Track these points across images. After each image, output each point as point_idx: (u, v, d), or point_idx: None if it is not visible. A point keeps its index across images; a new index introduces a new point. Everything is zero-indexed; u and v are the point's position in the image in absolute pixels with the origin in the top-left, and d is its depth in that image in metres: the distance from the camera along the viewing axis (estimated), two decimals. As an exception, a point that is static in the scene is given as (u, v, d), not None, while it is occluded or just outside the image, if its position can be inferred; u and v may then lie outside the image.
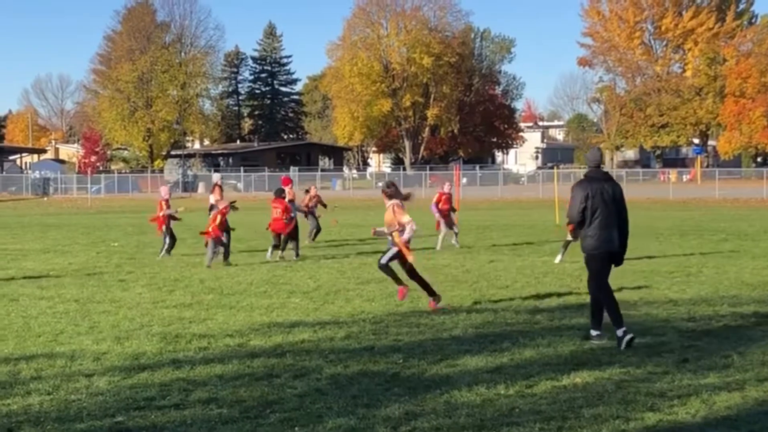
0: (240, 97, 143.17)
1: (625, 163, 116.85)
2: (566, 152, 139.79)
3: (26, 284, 18.19)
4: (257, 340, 11.65)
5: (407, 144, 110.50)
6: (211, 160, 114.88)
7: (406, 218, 13.75)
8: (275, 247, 22.94)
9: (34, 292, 16.79)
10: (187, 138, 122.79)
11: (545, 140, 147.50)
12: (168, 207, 24.12)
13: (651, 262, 20.88)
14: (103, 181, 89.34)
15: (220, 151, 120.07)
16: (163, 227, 24.00)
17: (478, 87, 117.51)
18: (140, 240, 27.53)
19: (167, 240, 23.97)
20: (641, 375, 9.48)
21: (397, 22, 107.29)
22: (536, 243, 26.97)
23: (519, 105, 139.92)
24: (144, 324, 12.99)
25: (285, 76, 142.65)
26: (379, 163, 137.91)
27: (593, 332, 11.43)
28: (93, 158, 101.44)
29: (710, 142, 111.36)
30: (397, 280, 14.21)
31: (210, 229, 21.44)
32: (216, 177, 26.44)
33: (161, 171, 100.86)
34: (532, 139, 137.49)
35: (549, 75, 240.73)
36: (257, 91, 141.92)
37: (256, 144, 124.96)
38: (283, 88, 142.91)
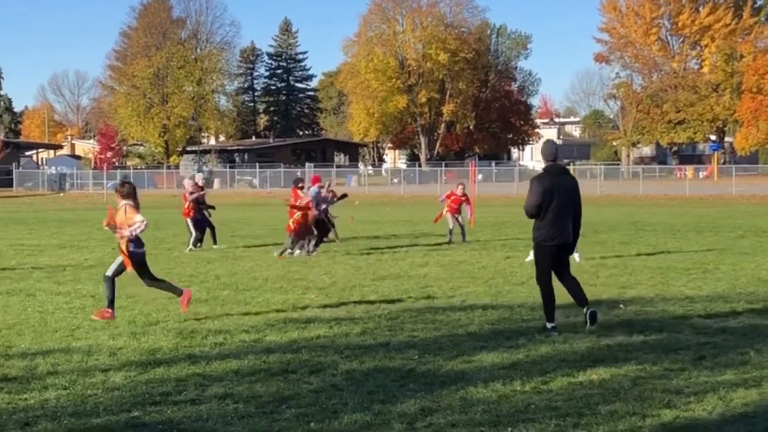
0: (255, 93, 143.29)
1: (642, 160, 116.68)
2: (582, 149, 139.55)
3: (43, 279, 18.25)
4: (273, 335, 11.65)
5: (423, 140, 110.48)
6: (226, 156, 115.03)
7: (138, 218, 13.04)
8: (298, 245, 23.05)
9: (50, 288, 16.84)
10: (203, 134, 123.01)
11: (561, 137, 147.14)
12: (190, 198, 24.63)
13: (667, 259, 20.82)
14: (118, 177, 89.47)
15: (235, 147, 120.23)
16: (188, 219, 24.45)
17: (494, 83, 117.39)
18: (156, 236, 27.55)
19: (194, 232, 24.37)
20: (657, 372, 9.44)
21: (413, 18, 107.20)
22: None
23: (535, 101, 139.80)
24: (160, 319, 13.01)
25: (300, 72, 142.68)
26: (394, 160, 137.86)
27: (548, 324, 11.74)
28: (109, 154, 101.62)
29: (727, 139, 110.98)
30: (173, 290, 13.60)
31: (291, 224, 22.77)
32: (198, 177, 26.68)
33: (177, 167, 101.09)
34: (548, 136, 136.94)
35: (565, 71, 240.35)
36: (273, 87, 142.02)
37: (271, 140, 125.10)
38: (298, 84, 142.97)
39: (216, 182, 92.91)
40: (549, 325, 11.69)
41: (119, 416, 8.02)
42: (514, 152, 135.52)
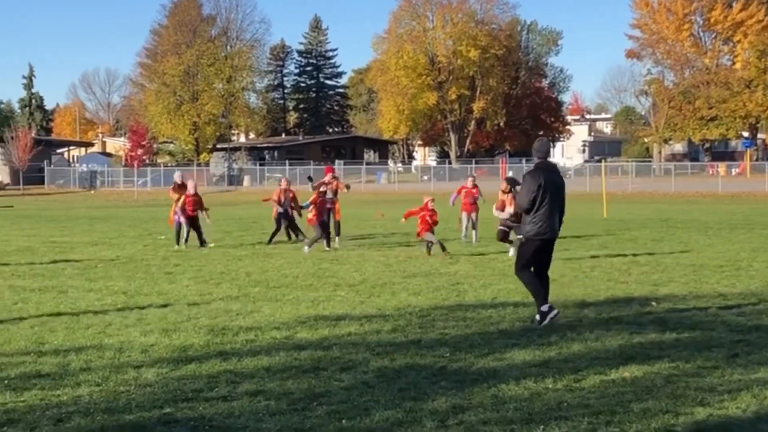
0: (285, 91, 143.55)
1: (674, 157, 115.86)
2: (614, 145, 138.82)
3: (75, 276, 18.37)
4: (304, 332, 11.67)
5: (453, 137, 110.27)
6: (256, 153, 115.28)
7: None
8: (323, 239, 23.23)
9: (82, 285, 16.95)
10: (233, 131, 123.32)
11: (592, 133, 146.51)
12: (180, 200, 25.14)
13: (700, 256, 20.69)
14: (149, 174, 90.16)
15: (265, 145, 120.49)
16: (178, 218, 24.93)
17: (525, 80, 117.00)
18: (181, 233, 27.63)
19: (185, 231, 24.81)
20: (690, 369, 9.37)
21: (444, 15, 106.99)
22: (583, 237, 26.81)
23: (566, 98, 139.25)
24: (191, 316, 13.06)
25: (330, 70, 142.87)
26: (424, 157, 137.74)
27: (543, 308, 11.96)
28: (139, 151, 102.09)
29: (760, 135, 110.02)
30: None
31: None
32: (176, 176, 27.10)
33: (207, 164, 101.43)
34: (579, 132, 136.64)
35: (596, 67, 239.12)
36: (302, 85, 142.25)
37: (301, 137, 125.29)
38: (328, 82, 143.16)
39: (246, 179, 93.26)
40: (545, 307, 11.95)
41: (151, 413, 8.05)
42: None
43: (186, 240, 24.93)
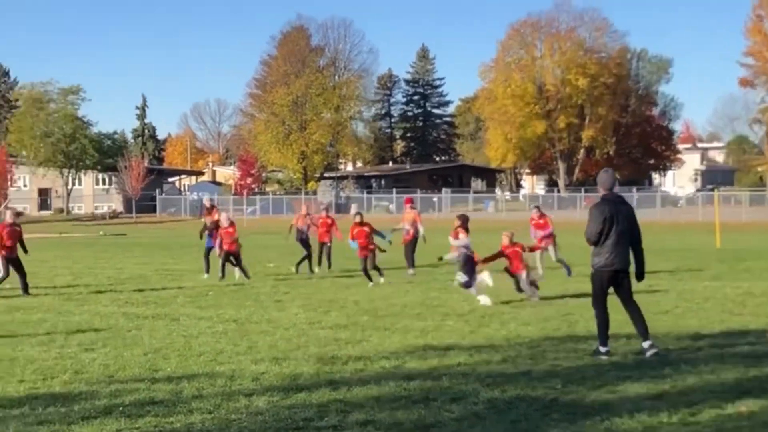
0: (392, 120, 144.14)
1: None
2: (727, 174, 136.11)
3: (186, 304, 18.66)
4: (413, 362, 11.62)
5: (561, 166, 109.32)
6: (363, 182, 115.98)
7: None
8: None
9: (193, 312, 17.20)
10: (340, 160, 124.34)
11: (704, 162, 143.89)
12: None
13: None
14: (258, 202, 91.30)
15: (372, 173, 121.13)
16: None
17: (635, 108, 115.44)
18: (294, 261, 27.89)
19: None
20: (812, 406, 9.07)
21: (552, 44, 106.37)
22: (696, 268, 26.27)
23: (677, 126, 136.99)
24: (300, 345, 13.12)
25: (437, 98, 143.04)
26: (532, 185, 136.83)
27: (601, 348, 12.00)
28: (248, 180, 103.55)
29: None
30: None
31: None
32: (206, 200, 27.13)
33: (314, 193, 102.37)
34: (691, 161, 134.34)
35: (708, 95, 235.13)
36: (410, 114, 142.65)
37: (408, 166, 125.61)
38: (435, 110, 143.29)
39: (353, 208, 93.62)
40: (602, 350, 11.98)
41: (262, 441, 8.08)
42: (656, 178, 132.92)
43: (222, 274, 24.04)
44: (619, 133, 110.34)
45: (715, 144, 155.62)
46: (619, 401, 9.33)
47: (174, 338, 13.98)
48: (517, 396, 9.65)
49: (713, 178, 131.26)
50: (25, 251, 21.64)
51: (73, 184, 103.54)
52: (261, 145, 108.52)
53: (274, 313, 16.95)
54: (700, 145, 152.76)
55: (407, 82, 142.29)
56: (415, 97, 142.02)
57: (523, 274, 18.65)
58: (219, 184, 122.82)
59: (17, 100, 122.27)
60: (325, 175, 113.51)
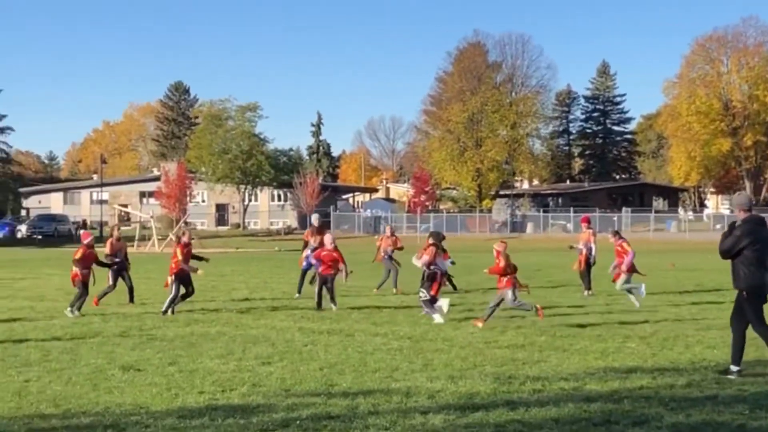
0: (570, 137, 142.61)
1: None
2: None
3: (361, 320, 18.73)
4: (593, 384, 11.28)
5: (748, 185, 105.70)
6: (540, 200, 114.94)
7: None
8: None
9: (368, 328, 17.22)
10: (516, 178, 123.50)
11: None
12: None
13: None
14: (431, 220, 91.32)
15: (549, 191, 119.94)
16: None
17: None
18: (468, 280, 27.66)
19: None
20: None
21: (739, 59, 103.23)
22: None
23: None
24: (477, 363, 12.93)
25: (618, 115, 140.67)
26: (716, 205, 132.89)
27: (733, 368, 11.89)
28: (422, 197, 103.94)
29: None
30: None
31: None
32: (314, 218, 26.23)
33: (489, 211, 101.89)
34: None
35: None
36: (589, 130, 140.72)
37: (586, 184, 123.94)
38: (615, 128, 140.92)
39: (529, 226, 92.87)
40: (734, 368, 11.86)
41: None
42: None
43: (319, 304, 21.23)
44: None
45: None
46: (817, 432, 8.80)
47: (349, 354, 13.99)
48: (702, 421, 9.28)
49: None
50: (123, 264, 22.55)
51: (250, 200, 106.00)
52: (435, 162, 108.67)
53: (449, 331, 16.80)
54: None
55: (586, 98, 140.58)
56: (595, 114, 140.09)
57: (509, 292, 17.73)
58: (393, 201, 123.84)
59: (197, 117, 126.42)
60: (501, 192, 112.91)
